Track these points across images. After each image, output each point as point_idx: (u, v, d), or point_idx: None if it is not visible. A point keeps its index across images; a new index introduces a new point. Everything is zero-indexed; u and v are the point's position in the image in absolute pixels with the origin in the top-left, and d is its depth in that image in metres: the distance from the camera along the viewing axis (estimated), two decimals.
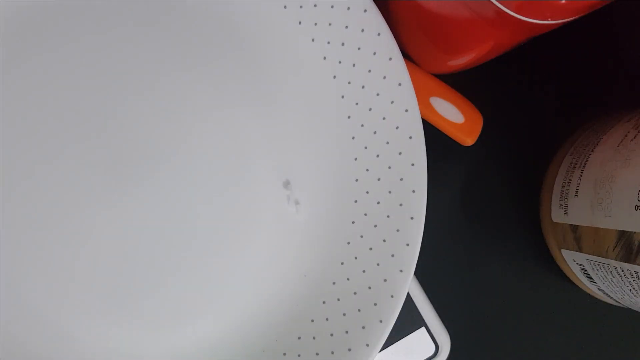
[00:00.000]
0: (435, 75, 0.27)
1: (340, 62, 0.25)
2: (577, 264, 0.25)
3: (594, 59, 0.29)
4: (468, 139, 0.28)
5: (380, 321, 0.23)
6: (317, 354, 0.24)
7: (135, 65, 0.26)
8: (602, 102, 0.28)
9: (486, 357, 0.28)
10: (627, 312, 0.28)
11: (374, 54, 0.24)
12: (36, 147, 0.25)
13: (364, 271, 0.24)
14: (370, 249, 0.24)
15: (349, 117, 0.25)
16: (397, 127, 0.24)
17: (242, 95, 0.26)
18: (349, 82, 0.25)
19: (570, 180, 0.25)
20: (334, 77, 0.25)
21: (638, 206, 0.20)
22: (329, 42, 0.25)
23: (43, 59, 0.25)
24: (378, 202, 0.24)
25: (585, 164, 0.24)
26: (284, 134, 0.26)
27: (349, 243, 0.24)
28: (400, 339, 0.27)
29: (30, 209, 0.25)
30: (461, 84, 0.28)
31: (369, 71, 0.24)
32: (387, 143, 0.24)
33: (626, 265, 0.21)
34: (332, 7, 0.25)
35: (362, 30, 0.24)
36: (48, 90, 0.25)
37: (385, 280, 0.23)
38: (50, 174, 0.25)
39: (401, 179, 0.24)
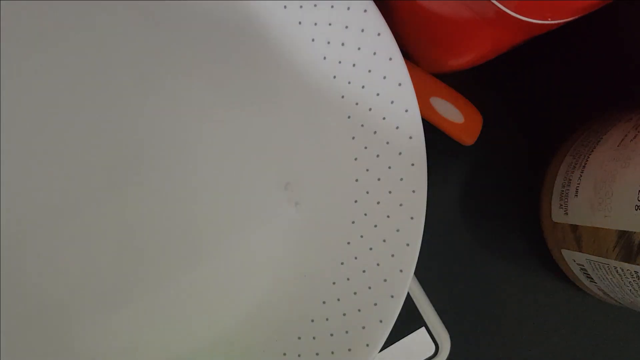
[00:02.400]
0: (435, 75, 0.27)
1: (340, 62, 0.25)
2: (577, 264, 0.25)
3: (594, 59, 0.29)
4: (468, 139, 0.28)
5: (380, 321, 0.23)
6: (317, 354, 0.24)
7: (135, 66, 0.26)
8: (602, 102, 0.28)
9: (486, 357, 0.28)
10: (627, 312, 0.28)
11: (374, 54, 0.24)
12: (37, 148, 0.25)
13: (364, 271, 0.24)
14: (370, 249, 0.24)
15: (349, 117, 0.25)
16: (397, 127, 0.24)
17: (242, 96, 0.26)
18: (349, 82, 0.25)
19: (570, 180, 0.25)
20: (334, 77, 0.25)
21: (638, 206, 0.20)
22: (329, 42, 0.25)
23: (41, 59, 0.25)
24: (378, 202, 0.24)
25: (585, 164, 0.24)
26: (284, 134, 0.26)
27: (349, 243, 0.24)
28: (400, 339, 0.27)
29: (32, 209, 0.25)
30: (461, 84, 0.28)
31: (369, 71, 0.24)
32: (387, 143, 0.24)
33: (626, 265, 0.21)
34: (332, 7, 0.25)
35: (362, 30, 0.24)
36: (47, 90, 0.25)
37: (385, 280, 0.23)
38: (51, 174, 0.25)
39: (401, 179, 0.24)
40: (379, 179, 0.24)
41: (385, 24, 0.24)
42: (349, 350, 0.23)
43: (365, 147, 0.24)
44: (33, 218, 0.25)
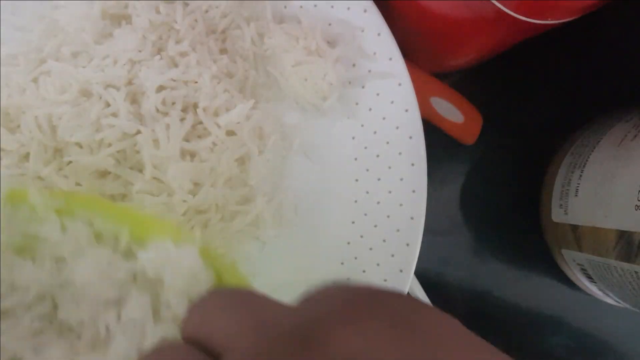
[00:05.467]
0: (435, 75, 0.28)
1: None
2: (577, 264, 0.25)
3: (593, 59, 0.29)
4: (468, 139, 0.28)
5: None
6: None
7: None
8: (602, 102, 0.28)
9: None
10: (627, 312, 0.28)
11: (374, 54, 0.24)
12: None
13: (364, 271, 0.24)
14: (370, 249, 0.24)
15: (348, 117, 0.25)
16: (397, 127, 0.24)
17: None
18: (349, 83, 0.25)
19: (570, 180, 0.25)
20: None
21: (638, 206, 0.20)
22: (328, 42, 0.25)
23: None
24: (378, 202, 0.24)
25: (585, 164, 0.24)
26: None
27: (349, 243, 0.24)
28: None
29: None
30: (461, 84, 0.28)
31: (369, 71, 0.24)
32: (387, 143, 0.24)
33: (626, 265, 0.21)
34: (332, 7, 0.25)
35: (362, 31, 0.24)
36: None
37: (385, 280, 0.23)
38: None
39: (401, 179, 0.24)
40: (379, 179, 0.24)
41: (385, 24, 0.24)
42: None
43: (365, 147, 0.24)
44: None
